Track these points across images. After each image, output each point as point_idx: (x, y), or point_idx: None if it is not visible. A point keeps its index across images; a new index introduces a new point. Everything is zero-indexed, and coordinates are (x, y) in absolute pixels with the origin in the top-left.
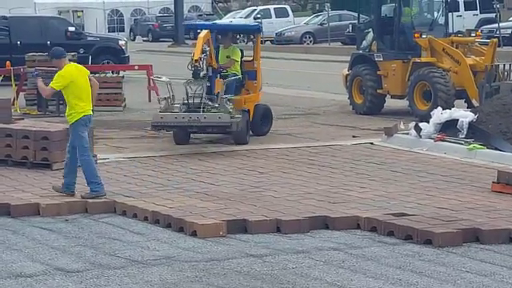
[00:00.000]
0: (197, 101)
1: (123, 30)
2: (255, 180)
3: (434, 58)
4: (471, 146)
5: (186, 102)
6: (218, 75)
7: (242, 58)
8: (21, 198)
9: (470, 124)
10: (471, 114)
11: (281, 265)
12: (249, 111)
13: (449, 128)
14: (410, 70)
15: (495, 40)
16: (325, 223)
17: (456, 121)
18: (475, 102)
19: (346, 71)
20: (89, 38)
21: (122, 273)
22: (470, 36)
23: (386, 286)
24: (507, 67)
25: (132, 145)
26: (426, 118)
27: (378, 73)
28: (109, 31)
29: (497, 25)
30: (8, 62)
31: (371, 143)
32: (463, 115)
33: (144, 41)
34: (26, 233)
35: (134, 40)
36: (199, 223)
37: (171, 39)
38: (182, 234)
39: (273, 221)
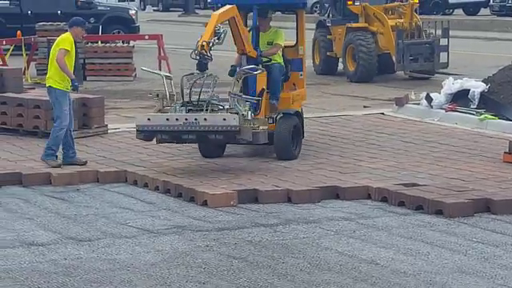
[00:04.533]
0: (198, 97)
1: (133, 0)
2: (266, 150)
3: (367, 23)
4: (482, 116)
5: (184, 100)
6: (260, 66)
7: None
8: (32, 167)
9: (482, 94)
10: (483, 84)
11: (291, 234)
12: (299, 113)
13: (460, 98)
14: (345, 35)
15: (412, 1)
16: (335, 193)
17: (467, 91)
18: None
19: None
20: (99, 8)
21: (133, 242)
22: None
23: (396, 256)
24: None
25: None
26: (353, 78)
27: (328, 37)
28: (119, 1)
29: None
30: (19, 32)
31: (382, 113)
32: (475, 85)
33: (154, 10)
34: (37, 202)
35: (144, 10)
36: (210, 193)
37: (181, 9)
38: (192, 203)
39: (283, 191)
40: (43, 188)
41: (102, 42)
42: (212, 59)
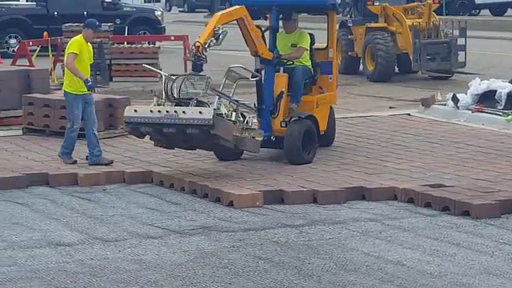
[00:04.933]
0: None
1: (159, 1)
2: None
3: (386, 23)
4: (509, 117)
5: (171, 96)
6: (281, 68)
7: (312, 44)
8: (59, 167)
9: (509, 95)
10: (510, 84)
11: (317, 235)
12: (313, 116)
13: (487, 99)
14: (364, 35)
15: (430, 1)
16: (361, 194)
17: (494, 92)
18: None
19: None
20: (125, 9)
21: (159, 242)
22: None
23: (423, 257)
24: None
25: None
26: (372, 77)
27: (350, 37)
28: (145, 2)
29: None
30: (45, 33)
31: (408, 114)
32: (501, 86)
33: (180, 11)
34: (64, 202)
35: (169, 11)
36: (236, 194)
37: (207, 9)
38: (218, 204)
39: (309, 191)
40: (70, 188)
41: (127, 43)
42: (207, 61)
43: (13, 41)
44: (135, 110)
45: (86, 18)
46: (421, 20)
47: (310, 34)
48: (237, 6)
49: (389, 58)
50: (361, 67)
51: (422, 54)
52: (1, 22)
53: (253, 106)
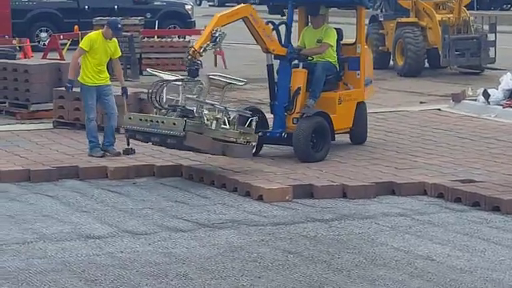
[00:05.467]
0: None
1: None
2: None
3: (417, 18)
4: None
5: (158, 105)
6: (301, 64)
7: (340, 40)
8: (89, 160)
9: None
10: None
11: (347, 230)
12: (324, 113)
13: None
14: (395, 29)
15: None
16: (391, 189)
17: None
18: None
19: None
20: (155, 3)
21: (188, 236)
22: None
23: (452, 252)
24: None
25: None
26: (401, 72)
27: (381, 31)
28: None
29: None
30: (76, 26)
31: (438, 109)
32: None
33: (210, 5)
34: (94, 195)
35: (199, 5)
36: (265, 188)
37: (236, 3)
38: (248, 198)
39: (339, 186)
40: (100, 182)
41: (158, 37)
42: (202, 66)
43: (43, 34)
44: (130, 118)
45: (117, 11)
46: (451, 15)
47: (338, 29)
48: (241, 5)
49: (418, 54)
50: (391, 62)
51: (450, 50)
52: (32, 15)
53: (247, 111)
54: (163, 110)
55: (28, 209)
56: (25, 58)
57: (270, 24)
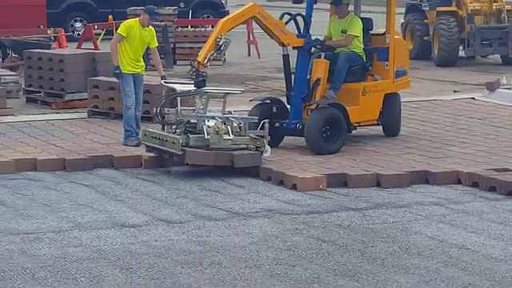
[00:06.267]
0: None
1: None
2: (354, 134)
3: (457, 6)
4: None
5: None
6: (323, 54)
7: (370, 30)
8: (123, 149)
9: None
10: None
11: (381, 219)
12: (339, 104)
13: None
14: (435, 19)
15: None
16: (425, 178)
17: None
18: None
19: (402, 20)
20: None
21: (223, 224)
22: None
23: (487, 241)
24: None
25: (232, 98)
26: (436, 61)
27: (425, 21)
28: None
29: None
30: (110, 16)
31: (473, 98)
32: None
33: None
34: (128, 184)
35: None
36: (299, 177)
37: None
38: (282, 187)
39: (373, 175)
40: (134, 171)
41: (191, 27)
42: (207, 76)
43: (78, 24)
44: (145, 135)
45: (151, 1)
46: (484, 4)
47: (368, 19)
48: (248, 5)
49: (451, 43)
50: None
51: (476, 39)
52: (66, 5)
53: (254, 117)
54: (173, 125)
55: (63, 197)
56: (59, 47)
57: (286, 15)
